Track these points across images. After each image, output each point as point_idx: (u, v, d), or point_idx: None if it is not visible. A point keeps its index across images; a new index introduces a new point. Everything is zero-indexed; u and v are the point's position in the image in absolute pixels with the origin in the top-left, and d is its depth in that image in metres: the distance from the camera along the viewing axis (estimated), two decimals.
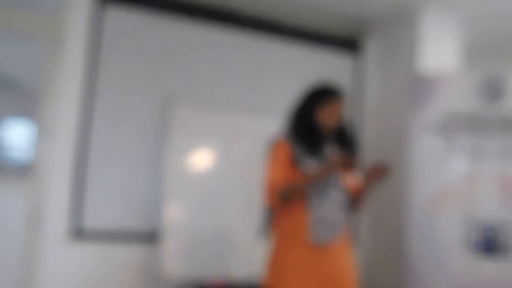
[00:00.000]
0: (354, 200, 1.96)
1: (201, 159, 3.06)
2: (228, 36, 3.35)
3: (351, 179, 1.91)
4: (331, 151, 1.90)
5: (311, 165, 1.83)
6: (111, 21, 3.04)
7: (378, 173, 1.84)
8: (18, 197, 2.80)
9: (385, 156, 3.48)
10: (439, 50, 3.32)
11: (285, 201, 1.81)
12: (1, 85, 2.92)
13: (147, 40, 3.14)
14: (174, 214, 2.91)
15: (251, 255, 2.89)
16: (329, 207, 1.81)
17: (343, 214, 1.87)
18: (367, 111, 3.71)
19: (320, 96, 1.88)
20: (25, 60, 2.98)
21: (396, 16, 3.49)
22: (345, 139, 1.93)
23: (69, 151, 2.90)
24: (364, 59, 3.78)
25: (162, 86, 3.13)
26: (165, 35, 3.19)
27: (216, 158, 3.11)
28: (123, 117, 3.03)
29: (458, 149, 2.87)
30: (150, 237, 2.99)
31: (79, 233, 2.87)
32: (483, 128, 2.85)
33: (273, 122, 2.43)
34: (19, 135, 2.92)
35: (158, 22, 3.17)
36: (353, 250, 1.93)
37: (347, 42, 3.76)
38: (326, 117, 1.86)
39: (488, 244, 2.76)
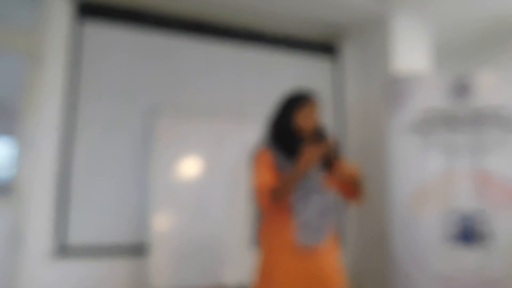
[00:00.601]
0: (349, 190, 1.96)
1: (188, 168, 3.04)
2: (210, 46, 3.38)
3: (342, 167, 1.90)
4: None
5: (289, 168, 1.85)
6: (91, 34, 3.04)
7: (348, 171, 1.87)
8: (1, 217, 2.73)
9: (367, 157, 3.57)
10: (411, 53, 3.44)
11: (277, 199, 1.81)
12: None
13: (127, 52, 3.14)
14: (161, 225, 2.88)
15: (241, 262, 2.89)
16: (312, 211, 1.84)
17: (327, 217, 1.89)
18: (347, 113, 3.77)
19: (295, 101, 1.94)
20: (3, 75, 2.94)
21: (370, 22, 3.58)
22: (321, 141, 1.90)
23: (51, 167, 2.85)
24: (341, 63, 3.84)
25: (145, 96, 3.13)
26: (145, 46, 3.20)
27: (203, 167, 3.09)
28: (107, 130, 3.00)
29: (434, 146, 2.96)
30: (137, 250, 2.95)
31: (63, 249, 2.81)
32: (455, 125, 2.95)
33: (257, 129, 2.45)
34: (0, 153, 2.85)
35: (137, 33, 3.18)
36: (340, 251, 1.95)
37: (324, 48, 3.81)
38: (303, 120, 1.91)
39: (466, 234, 2.84)
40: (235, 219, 3.01)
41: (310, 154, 1.76)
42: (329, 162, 1.88)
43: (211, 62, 3.39)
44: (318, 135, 1.85)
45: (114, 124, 3.03)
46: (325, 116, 3.32)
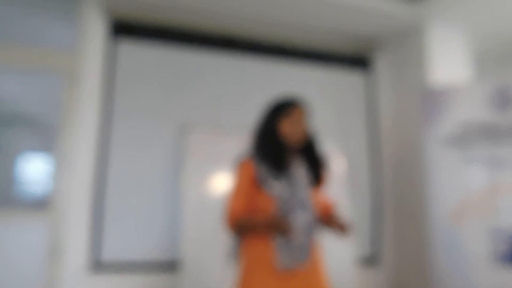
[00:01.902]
0: (322, 219, 1.84)
1: (219, 185, 3.00)
2: (241, 61, 3.35)
3: (320, 197, 1.82)
4: (298, 170, 1.81)
5: (275, 185, 1.73)
6: (124, 52, 3.08)
7: (338, 227, 1.75)
8: (37, 231, 2.77)
9: (402, 171, 3.46)
10: (449, 62, 3.32)
11: (240, 233, 1.74)
12: (19, 120, 2.94)
13: (159, 70, 3.16)
14: (193, 241, 2.83)
15: None
16: (296, 230, 1.70)
17: (311, 236, 1.75)
18: (382, 127, 3.68)
19: (280, 109, 1.80)
20: (42, 95, 3.00)
21: (405, 31, 3.48)
22: (311, 154, 1.84)
23: (87, 183, 2.88)
24: (375, 76, 3.75)
25: (176, 113, 3.13)
26: (176, 63, 3.21)
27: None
28: (139, 148, 3.02)
29: (475, 159, 2.83)
30: (169, 266, 2.92)
31: (98, 265, 2.82)
32: (497, 137, 2.82)
33: None
34: (37, 169, 2.92)
35: (169, 51, 3.20)
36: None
37: (357, 61, 3.74)
38: (288, 129, 1.77)
39: None
40: None
41: (283, 229, 1.63)
42: (317, 176, 1.80)
43: (243, 78, 3.36)
44: (307, 150, 1.77)
45: (146, 141, 3.04)
46: (358, 129, 3.56)
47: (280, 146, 1.77)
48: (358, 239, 3.30)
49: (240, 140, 2.93)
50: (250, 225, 1.72)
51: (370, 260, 3.41)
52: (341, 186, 3.21)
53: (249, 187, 1.74)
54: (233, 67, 3.34)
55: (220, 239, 2.77)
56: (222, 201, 2.82)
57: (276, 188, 1.72)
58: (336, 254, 3.03)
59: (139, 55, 3.13)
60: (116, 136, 2.99)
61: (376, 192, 3.55)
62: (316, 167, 1.82)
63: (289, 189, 1.74)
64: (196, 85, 3.24)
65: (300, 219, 1.71)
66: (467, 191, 2.83)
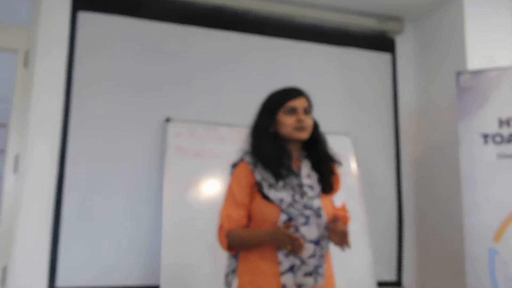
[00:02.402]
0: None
1: (207, 194, 2.69)
2: (239, 39, 3.06)
3: (330, 206, 1.69)
4: (304, 171, 1.68)
5: (278, 189, 1.61)
6: (89, 30, 2.76)
7: (337, 236, 1.60)
8: None
9: (430, 176, 3.23)
10: (491, 41, 3.04)
11: (232, 250, 1.64)
12: None
13: (132, 51, 2.83)
14: (174, 265, 2.50)
15: None
16: (308, 245, 1.56)
17: (324, 252, 1.63)
18: (407, 116, 3.42)
19: (277, 103, 1.67)
20: None
21: (435, 3, 3.23)
22: (318, 153, 1.71)
23: (42, 192, 2.54)
24: (398, 58, 3.48)
25: (154, 105, 2.81)
26: (151, 40, 2.88)
27: (221, 187, 2.67)
28: (108, 148, 2.67)
29: None
30: None
31: None
32: None
33: None
34: None
35: (143, 27, 2.87)
36: None
37: (379, 41, 3.45)
38: (289, 125, 1.64)
39: None
40: None
41: (280, 239, 1.51)
42: (329, 180, 1.70)
43: (239, 61, 3.03)
44: (311, 148, 1.69)
45: (117, 140, 2.70)
46: (383, 119, 3.27)
47: (281, 145, 1.66)
48: (378, 261, 2.99)
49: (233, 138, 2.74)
50: (245, 239, 1.63)
51: (392, 285, 3.16)
52: (354, 194, 2.93)
53: (245, 193, 1.64)
54: (227, 46, 3.01)
55: (209, 261, 2.53)
56: (210, 213, 2.57)
57: (279, 194, 1.61)
58: (354, 276, 2.78)
59: (108, 31, 2.79)
60: (78, 131, 2.63)
61: (400, 202, 3.30)
62: (324, 169, 1.70)
63: (295, 194, 1.62)
64: (179, 68, 2.90)
65: (312, 232, 1.58)
66: None
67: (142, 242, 2.62)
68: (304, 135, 1.64)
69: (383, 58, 3.41)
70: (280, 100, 1.66)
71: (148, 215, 2.65)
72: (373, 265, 2.86)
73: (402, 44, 3.46)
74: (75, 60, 2.69)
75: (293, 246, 1.47)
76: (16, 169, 2.58)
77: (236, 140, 2.75)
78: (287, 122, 1.63)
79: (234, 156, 2.71)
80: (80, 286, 2.50)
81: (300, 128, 1.62)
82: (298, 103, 1.64)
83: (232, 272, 1.68)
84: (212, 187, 2.66)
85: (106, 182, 2.62)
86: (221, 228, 1.63)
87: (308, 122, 1.64)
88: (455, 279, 2.80)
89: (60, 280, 2.46)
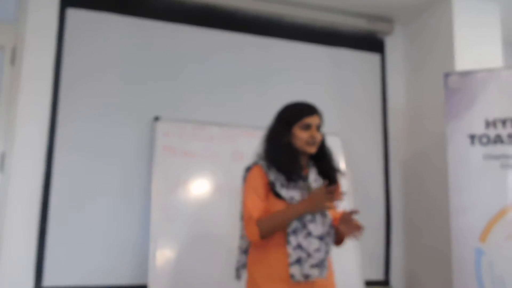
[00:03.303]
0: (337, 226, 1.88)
1: (197, 192, 2.65)
2: (231, 39, 3.04)
3: (332, 210, 1.84)
4: (312, 177, 1.86)
5: (290, 190, 1.80)
6: (78, 27, 2.72)
7: (349, 228, 1.79)
8: None
9: (418, 176, 3.24)
10: (479, 42, 3.05)
11: (265, 237, 1.74)
12: None
13: (121, 48, 2.80)
14: (165, 263, 2.48)
15: None
16: (314, 240, 1.75)
17: (329, 247, 1.81)
18: (396, 117, 3.43)
19: (295, 117, 1.85)
20: None
21: (425, 5, 3.23)
22: (324, 163, 1.90)
23: (28, 191, 2.50)
24: (388, 59, 3.48)
25: (142, 103, 2.78)
26: (142, 40, 2.85)
27: (210, 187, 2.69)
28: (96, 146, 2.64)
29: None
30: None
31: None
32: None
33: None
34: None
35: (132, 25, 2.85)
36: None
37: (370, 40, 3.44)
38: (303, 138, 1.82)
39: None
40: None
41: (320, 198, 1.71)
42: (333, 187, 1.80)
43: (228, 58, 3.01)
44: (320, 159, 1.87)
45: (105, 137, 2.67)
46: (372, 119, 3.25)
47: (294, 154, 1.83)
48: (366, 261, 3.00)
49: (221, 138, 2.75)
50: (276, 220, 1.75)
51: (380, 285, 3.15)
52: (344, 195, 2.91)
53: (263, 189, 1.80)
54: (216, 45, 2.99)
55: (197, 261, 2.53)
56: (198, 213, 2.60)
57: (290, 193, 1.78)
58: (342, 276, 2.71)
59: (97, 29, 2.75)
60: (65, 130, 2.59)
61: (388, 203, 3.30)
62: (329, 176, 1.87)
63: (304, 194, 1.80)
64: (168, 67, 2.87)
65: (318, 229, 1.76)
66: (503, 203, 2.51)
67: (130, 242, 2.60)
68: (314, 149, 1.82)
69: (372, 58, 3.42)
70: (298, 115, 1.83)
71: (136, 214, 2.62)
72: (361, 264, 2.86)
73: (392, 45, 3.47)
74: (63, 58, 2.65)
75: (334, 197, 1.67)
76: (1, 168, 2.53)
77: (224, 140, 2.77)
78: (301, 136, 1.80)
79: (222, 155, 2.75)
80: (67, 286, 2.46)
81: (311, 143, 1.81)
82: (313, 120, 1.82)
83: (242, 266, 1.86)
84: (201, 187, 2.64)
85: (94, 181, 2.59)
86: (249, 219, 1.75)
87: (318, 138, 1.83)
88: (442, 279, 2.81)
89: (46, 280, 2.43)
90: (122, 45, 2.79)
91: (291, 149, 1.83)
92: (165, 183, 2.58)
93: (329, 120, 3.11)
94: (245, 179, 1.86)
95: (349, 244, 2.84)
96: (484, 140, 2.57)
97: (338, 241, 1.89)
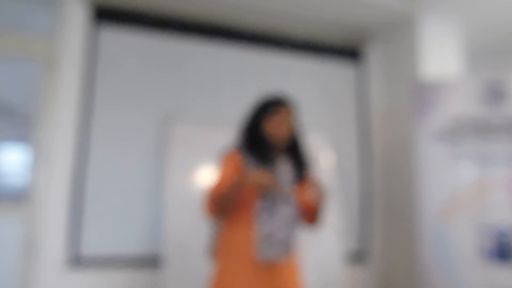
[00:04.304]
0: (309, 214, 1.85)
1: (204, 178, 2.89)
2: (229, 51, 3.26)
3: (307, 194, 1.79)
4: (282, 166, 1.83)
5: (259, 169, 1.75)
6: (106, 39, 2.98)
7: (317, 193, 1.73)
8: (14, 224, 2.68)
9: (392, 166, 3.42)
10: (440, 55, 3.27)
11: (220, 207, 1.69)
12: None
13: (143, 58, 3.06)
14: (175, 236, 2.73)
15: None
16: (278, 223, 1.71)
17: (293, 230, 1.76)
18: (372, 120, 3.62)
19: (267, 107, 1.82)
20: (19, 83, 2.89)
21: (396, 23, 3.42)
22: (296, 152, 1.86)
23: (66, 176, 2.78)
24: (366, 68, 3.68)
25: (160, 103, 3.03)
26: (161, 51, 3.11)
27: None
28: (121, 139, 2.92)
29: (465, 155, 2.80)
30: (151, 261, 2.83)
31: (77, 260, 2.74)
32: (489, 133, 2.77)
33: None
34: (14, 161, 2.82)
35: (153, 38, 3.10)
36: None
37: (348, 52, 3.64)
38: (274, 127, 1.79)
39: (502, 251, 2.66)
40: None
41: (260, 179, 1.62)
42: (301, 174, 1.81)
43: (229, 67, 3.27)
44: (292, 148, 1.80)
45: (128, 132, 2.94)
46: (348, 122, 3.52)
47: (265, 143, 1.79)
48: (346, 235, 3.27)
49: (226, 131, 2.81)
50: (224, 187, 1.67)
51: (358, 257, 3.39)
52: (329, 180, 3.16)
53: (233, 170, 1.74)
54: (218, 56, 3.25)
55: (204, 234, 2.68)
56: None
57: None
58: (323, 250, 3.01)
59: (122, 42, 3.02)
60: (96, 126, 2.89)
61: (365, 187, 3.53)
62: (300, 166, 1.85)
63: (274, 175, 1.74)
64: (181, 74, 3.14)
65: (282, 213, 1.72)
66: (456, 188, 2.80)
67: (148, 216, 2.83)
68: (285, 140, 1.79)
69: (349, 68, 3.56)
70: (270, 105, 1.81)
71: (152, 193, 2.87)
72: (342, 243, 3.05)
73: (370, 54, 3.61)
74: (92, 68, 2.87)
75: (267, 183, 1.59)
76: (47, 161, 2.75)
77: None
78: (272, 125, 1.78)
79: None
80: (98, 254, 2.74)
81: (283, 131, 1.78)
82: (285, 109, 1.80)
83: (213, 241, 1.83)
84: (209, 177, 2.82)
85: (121, 167, 2.85)
86: (208, 194, 1.69)
87: (290, 127, 1.80)
88: (411, 251, 3.05)
89: (82, 248, 2.73)
90: (144, 54, 3.00)
91: (262, 137, 1.78)
92: (178, 172, 2.79)
93: (317, 119, 3.29)
94: (220, 160, 1.81)
95: (332, 225, 2.96)
96: (444, 135, 2.81)
97: (310, 216, 1.81)
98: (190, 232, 2.75)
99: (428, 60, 3.22)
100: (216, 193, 1.69)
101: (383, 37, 3.61)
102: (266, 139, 1.80)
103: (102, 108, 2.91)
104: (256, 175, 1.61)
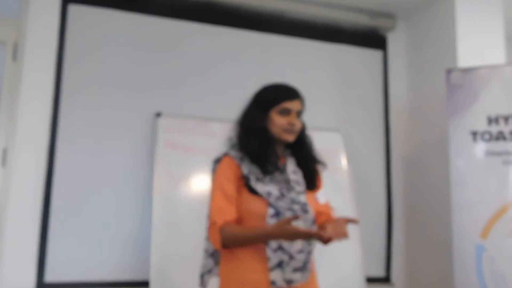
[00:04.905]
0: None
1: (197, 188, 2.65)
2: (228, 34, 3.01)
3: (314, 203, 1.67)
4: (290, 168, 1.66)
5: (265, 183, 1.57)
6: (80, 23, 2.71)
7: (336, 233, 1.53)
8: None
9: (421, 173, 3.21)
10: (478, 41, 3.01)
11: (228, 247, 1.53)
12: None
13: (123, 44, 2.79)
14: (165, 259, 2.47)
15: None
16: (298, 241, 1.52)
17: (312, 248, 1.60)
18: (396, 118, 3.40)
19: (272, 100, 1.62)
20: None
21: (427, 0, 3.20)
22: (303, 153, 1.70)
23: (29, 185, 2.50)
24: (392, 54, 3.45)
25: (144, 99, 2.76)
26: (144, 36, 2.84)
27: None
28: (97, 141, 2.64)
29: None
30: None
31: None
32: None
33: None
34: None
35: (134, 21, 2.83)
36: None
37: (370, 37, 3.41)
38: (280, 124, 1.60)
39: None
40: None
41: (294, 234, 1.42)
42: (313, 178, 1.70)
43: (229, 54, 2.99)
44: (297, 147, 1.67)
45: (106, 133, 2.66)
46: (374, 115, 3.27)
47: (269, 141, 1.61)
48: (367, 257, 2.99)
49: (221, 127, 2.65)
50: (241, 238, 1.54)
51: (381, 281, 3.15)
52: (344, 191, 2.93)
53: (233, 186, 1.58)
54: (219, 41, 2.97)
55: (199, 257, 2.47)
56: (200, 209, 2.51)
57: (267, 187, 1.56)
58: (343, 273, 2.80)
59: (99, 25, 2.74)
60: (67, 125, 2.59)
61: (389, 199, 3.29)
62: (309, 167, 1.69)
63: (282, 188, 1.58)
64: (170, 63, 2.86)
65: (300, 226, 1.51)
66: (505, 200, 2.50)
67: (132, 237, 2.59)
68: (292, 138, 1.62)
69: (374, 55, 3.39)
70: (276, 99, 1.61)
71: (138, 210, 2.62)
72: (362, 261, 2.85)
73: (394, 41, 3.44)
74: (65, 54, 2.64)
75: (312, 235, 1.43)
76: (3, 162, 2.53)
77: (227, 135, 2.77)
78: (279, 123, 1.59)
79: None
80: (69, 281, 2.46)
81: (290, 130, 1.60)
82: (294, 105, 1.60)
83: (208, 272, 1.64)
84: (203, 183, 2.63)
85: (96, 176, 2.59)
86: (212, 224, 1.54)
87: (298, 126, 1.62)
88: (443, 275, 2.80)
89: (48, 275, 2.43)
90: (123, 40, 2.77)
91: (266, 136, 1.61)
92: (167, 178, 2.56)
93: (330, 116, 3.19)
94: (213, 171, 1.65)
95: (351, 239, 2.87)
96: (486, 136, 2.55)
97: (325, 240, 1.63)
98: (183, 253, 2.50)
99: (463, 47, 2.98)
100: (230, 238, 1.52)
101: (411, 18, 3.44)
102: (271, 137, 1.61)
103: (74, 103, 2.62)
104: (288, 231, 1.42)
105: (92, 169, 2.59)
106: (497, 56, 3.02)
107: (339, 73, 3.24)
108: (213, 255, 1.62)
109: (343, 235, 1.50)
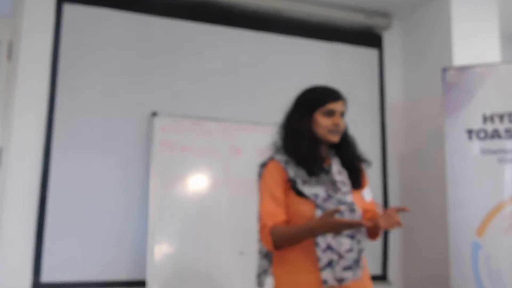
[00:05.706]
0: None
1: (195, 188, 2.65)
2: (226, 34, 3.01)
3: (360, 201, 1.69)
4: (336, 168, 1.67)
5: (312, 185, 1.60)
6: (77, 22, 2.69)
7: (389, 223, 1.56)
8: None
9: (418, 172, 3.20)
10: (473, 40, 3.01)
11: (280, 248, 1.57)
12: None
13: (120, 44, 2.77)
14: (163, 258, 2.49)
15: None
16: (344, 240, 1.55)
17: (362, 246, 1.61)
18: (393, 112, 3.40)
19: (318, 102, 1.66)
20: None
21: (422, 3, 3.21)
22: (347, 152, 1.72)
23: (25, 187, 2.48)
24: (388, 53, 3.45)
25: (141, 99, 2.75)
26: (140, 36, 2.82)
27: (208, 182, 2.69)
28: (93, 142, 2.62)
29: None
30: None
31: None
32: None
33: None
34: None
35: (130, 21, 2.82)
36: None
37: (368, 36, 3.41)
38: (326, 125, 1.64)
39: None
40: (242, 241, 2.62)
41: (338, 226, 1.45)
42: (359, 178, 1.71)
43: (228, 55, 2.99)
44: (342, 148, 1.69)
45: (103, 134, 2.65)
46: (369, 114, 3.25)
47: (315, 143, 1.65)
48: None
49: (224, 129, 2.74)
50: (290, 236, 1.57)
51: (378, 280, 3.12)
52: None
53: (281, 189, 1.62)
54: (214, 40, 2.96)
55: (195, 256, 2.54)
56: (196, 208, 2.59)
57: (314, 189, 1.60)
58: None
59: (94, 24, 2.72)
60: (62, 125, 2.57)
61: (385, 197, 3.29)
62: (355, 166, 1.71)
63: (329, 189, 1.61)
64: (165, 62, 2.84)
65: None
66: (500, 197, 2.50)
67: (128, 237, 2.58)
68: (337, 138, 1.64)
69: (370, 53, 3.38)
70: (321, 100, 1.65)
71: (134, 210, 2.61)
72: None
73: (390, 40, 3.44)
74: (60, 53, 2.62)
75: (353, 226, 1.45)
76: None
77: (222, 135, 2.77)
78: (324, 124, 1.62)
79: (220, 150, 2.73)
80: (65, 281, 2.45)
81: (335, 131, 1.63)
82: (338, 106, 1.64)
83: (264, 272, 1.66)
84: (199, 182, 2.64)
85: (92, 176, 2.58)
86: (263, 227, 1.58)
87: (342, 126, 1.66)
88: (440, 273, 2.80)
89: (44, 275, 2.41)
90: (119, 40, 2.76)
91: (311, 138, 1.65)
92: (163, 178, 2.57)
93: None
94: (260, 176, 1.68)
95: None
96: (482, 135, 2.55)
97: (373, 234, 1.67)
98: (180, 252, 2.53)
99: (458, 45, 2.98)
100: (281, 238, 1.56)
101: (406, 16, 3.43)
102: (317, 139, 1.65)
103: (70, 104, 2.61)
104: (331, 224, 1.44)
105: (88, 169, 2.57)
106: (492, 55, 3.01)
107: (335, 71, 3.23)
108: (267, 256, 1.65)
109: (396, 223, 1.52)
